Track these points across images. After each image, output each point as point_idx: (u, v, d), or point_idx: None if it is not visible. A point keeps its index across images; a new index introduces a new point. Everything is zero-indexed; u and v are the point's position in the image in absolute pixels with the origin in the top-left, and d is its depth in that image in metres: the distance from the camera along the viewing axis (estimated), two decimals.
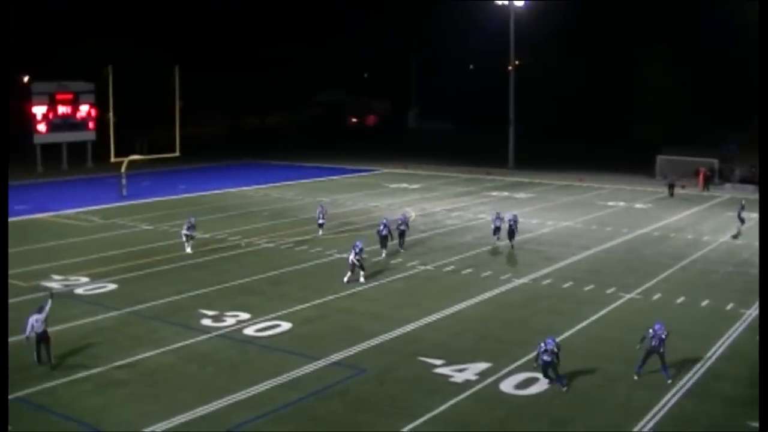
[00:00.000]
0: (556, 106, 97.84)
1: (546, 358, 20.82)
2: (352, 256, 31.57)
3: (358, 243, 32.20)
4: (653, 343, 21.41)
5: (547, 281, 32.44)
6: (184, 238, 37.24)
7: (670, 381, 21.31)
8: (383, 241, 36.23)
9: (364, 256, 32.12)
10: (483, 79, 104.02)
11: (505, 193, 60.57)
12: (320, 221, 41.43)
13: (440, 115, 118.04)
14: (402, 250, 37.10)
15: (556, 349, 20.86)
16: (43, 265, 34.25)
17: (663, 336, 21.34)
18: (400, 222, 38.24)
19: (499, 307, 28.76)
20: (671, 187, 60.38)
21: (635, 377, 21.60)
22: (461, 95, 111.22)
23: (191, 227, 37.20)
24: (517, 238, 41.39)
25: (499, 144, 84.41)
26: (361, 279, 31.73)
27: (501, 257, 37.04)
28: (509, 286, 31.68)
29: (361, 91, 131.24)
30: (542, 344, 21.04)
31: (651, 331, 21.63)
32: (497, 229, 39.22)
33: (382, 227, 36.32)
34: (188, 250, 36.65)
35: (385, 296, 30.15)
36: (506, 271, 33.83)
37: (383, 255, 35.83)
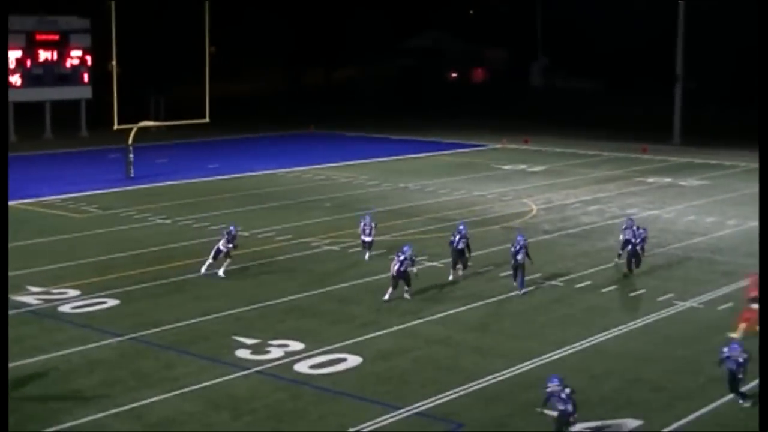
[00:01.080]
0: (744, 55, 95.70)
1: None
2: (397, 266, 31.54)
3: (405, 248, 32.17)
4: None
5: (727, 305, 31.80)
6: (214, 254, 35.18)
7: None
8: (458, 256, 34.91)
9: (412, 268, 31.94)
10: (638, 17, 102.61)
11: (668, 179, 59.74)
12: (366, 238, 37.90)
13: (576, 68, 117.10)
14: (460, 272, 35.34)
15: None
16: (16, 272, 34.67)
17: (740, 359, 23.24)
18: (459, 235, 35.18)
19: (657, 341, 28.32)
20: None
21: None
22: (606, 41, 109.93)
23: (232, 239, 35.21)
24: (685, 243, 40.73)
25: (660, 110, 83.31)
26: (406, 296, 31.98)
27: (660, 270, 36.47)
28: (671, 311, 31.13)
29: (467, 34, 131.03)
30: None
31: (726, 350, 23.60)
32: (627, 243, 36.27)
33: (456, 237, 34.87)
34: (221, 273, 34.96)
35: (492, 322, 29.99)
36: (667, 289, 33.28)
37: (458, 274, 35.04)
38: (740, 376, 23.18)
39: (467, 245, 34.85)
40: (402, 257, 31.52)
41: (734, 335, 27.71)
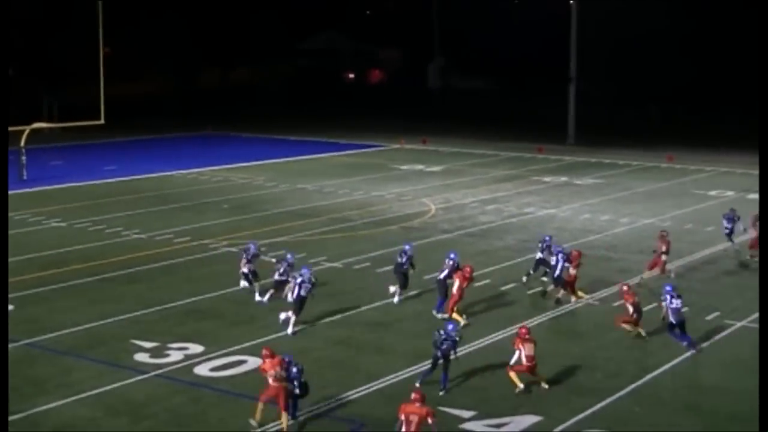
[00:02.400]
0: (637, 55, 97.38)
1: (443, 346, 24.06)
2: (296, 290, 29.10)
3: (407, 247, 32.32)
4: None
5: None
6: (244, 280, 32.68)
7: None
8: (404, 278, 32.42)
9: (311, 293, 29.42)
10: (533, 16, 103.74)
11: (563, 179, 60.53)
12: (246, 273, 32.96)
13: (472, 69, 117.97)
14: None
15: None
16: None
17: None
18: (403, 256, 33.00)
19: (553, 338, 28.66)
20: None
21: None
22: (502, 42, 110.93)
23: (254, 257, 32.78)
24: (581, 241, 41.39)
25: (554, 110, 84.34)
26: (396, 299, 31.95)
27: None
28: (567, 308, 31.57)
29: (363, 35, 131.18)
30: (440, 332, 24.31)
31: None
32: (541, 264, 34.53)
33: (404, 258, 32.35)
34: (264, 298, 31.67)
35: (392, 321, 30.05)
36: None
37: (396, 298, 32.41)
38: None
39: (411, 264, 32.69)
40: (299, 280, 29.08)
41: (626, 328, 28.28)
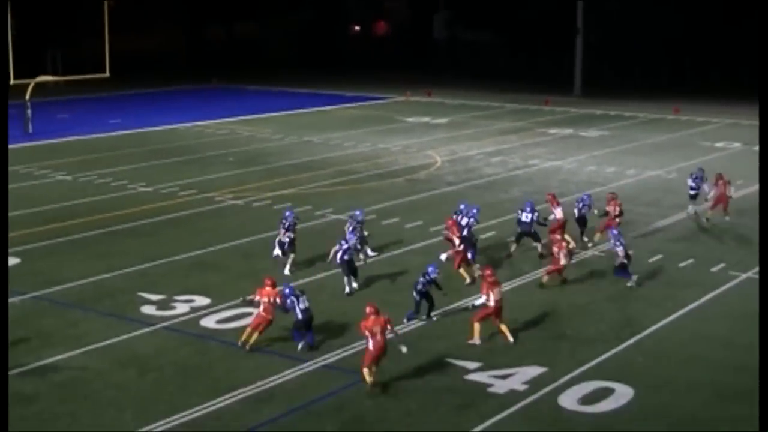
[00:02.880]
0: (645, 7, 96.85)
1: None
2: (339, 254, 28.27)
3: (349, 236, 29.86)
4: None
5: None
6: (279, 250, 30.67)
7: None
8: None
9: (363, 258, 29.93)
10: None
11: (569, 131, 60.41)
12: (283, 242, 30.74)
13: (479, 21, 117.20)
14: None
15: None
16: None
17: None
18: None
19: (558, 290, 28.70)
20: None
21: None
22: None
23: (291, 227, 30.71)
24: (586, 192, 41.41)
25: (561, 62, 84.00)
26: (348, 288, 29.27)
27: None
28: (573, 260, 31.59)
29: None
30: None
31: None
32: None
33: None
34: (286, 271, 30.09)
35: (398, 273, 30.09)
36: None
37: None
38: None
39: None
40: (345, 245, 28.43)
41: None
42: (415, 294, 25.65)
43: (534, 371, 22.62)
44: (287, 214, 31.14)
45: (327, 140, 55.21)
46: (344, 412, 20.57)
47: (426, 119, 64.51)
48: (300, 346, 23.61)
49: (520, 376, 22.31)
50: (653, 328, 25.47)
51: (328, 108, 70.61)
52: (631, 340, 24.69)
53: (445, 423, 20.05)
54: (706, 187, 37.55)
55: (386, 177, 44.82)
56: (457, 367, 22.82)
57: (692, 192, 37.86)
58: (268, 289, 23.67)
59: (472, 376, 22.30)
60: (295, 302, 23.60)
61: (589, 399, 21.24)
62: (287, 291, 23.82)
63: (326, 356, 23.40)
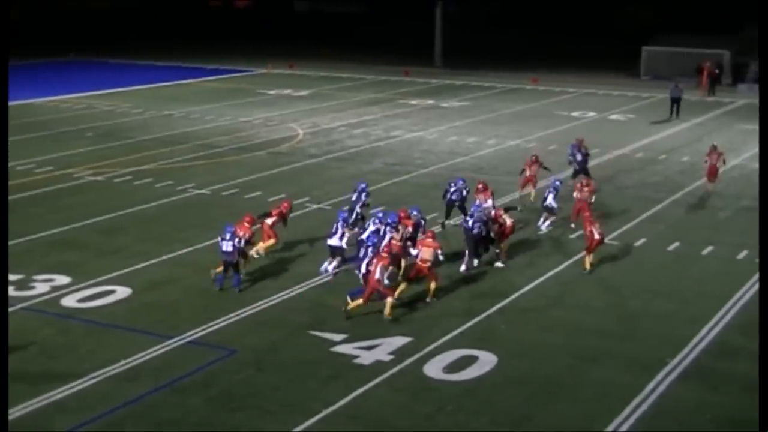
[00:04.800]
0: None
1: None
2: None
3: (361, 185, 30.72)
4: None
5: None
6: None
7: None
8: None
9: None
10: None
11: (430, 101, 60.89)
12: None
13: None
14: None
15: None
16: None
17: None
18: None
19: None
20: (675, 104, 55.58)
21: None
22: None
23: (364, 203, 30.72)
24: (448, 163, 41.86)
25: (421, 33, 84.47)
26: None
27: (425, 190, 37.19)
28: (436, 230, 31.92)
29: None
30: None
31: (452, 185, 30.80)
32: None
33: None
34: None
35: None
36: (433, 208, 33.82)
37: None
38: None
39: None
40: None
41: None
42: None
43: (399, 341, 22.83)
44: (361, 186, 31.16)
45: (187, 114, 54.62)
46: (212, 387, 20.48)
47: (287, 92, 64.29)
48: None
49: (385, 347, 22.50)
50: (515, 295, 25.93)
51: (189, 81, 69.80)
52: (494, 308, 25.12)
53: (312, 395, 20.13)
54: (578, 156, 37.78)
55: (248, 150, 44.58)
56: (322, 340, 22.92)
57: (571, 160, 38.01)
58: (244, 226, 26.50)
59: (338, 348, 22.41)
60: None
61: (453, 367, 21.55)
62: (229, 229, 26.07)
63: (192, 332, 23.26)
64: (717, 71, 66.71)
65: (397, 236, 26.51)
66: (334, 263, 27.73)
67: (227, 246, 25.77)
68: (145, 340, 22.71)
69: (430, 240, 25.68)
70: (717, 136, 49.44)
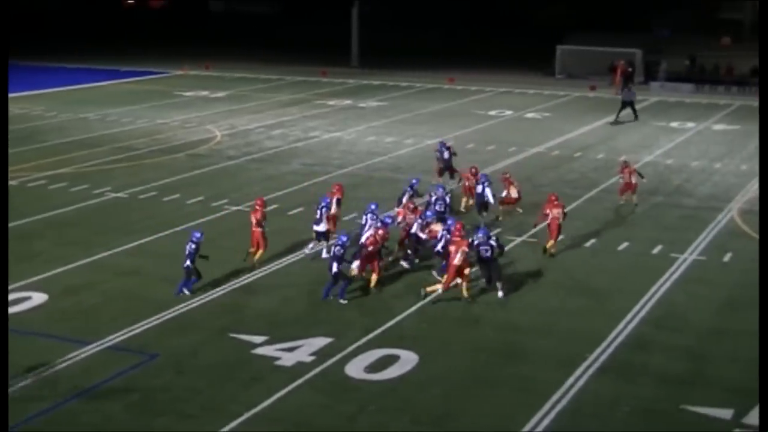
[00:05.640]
0: None
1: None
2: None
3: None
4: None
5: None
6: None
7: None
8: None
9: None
10: None
11: (348, 102, 60.91)
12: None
13: None
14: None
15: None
16: None
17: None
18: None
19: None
20: (626, 107, 54.70)
21: None
22: None
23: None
24: (366, 163, 41.97)
25: (338, 33, 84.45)
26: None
27: (347, 191, 37.22)
28: (354, 230, 31.96)
29: None
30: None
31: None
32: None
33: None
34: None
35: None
36: (350, 208, 33.90)
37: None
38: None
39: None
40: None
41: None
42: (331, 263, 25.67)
43: (320, 342, 22.86)
44: (325, 199, 30.03)
45: (104, 117, 54.01)
46: (132, 393, 20.32)
47: (204, 93, 63.86)
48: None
49: (306, 348, 22.51)
50: (435, 294, 26.03)
51: (104, 83, 69.02)
52: (414, 307, 25.23)
53: (234, 398, 20.07)
54: (446, 153, 37.75)
55: (166, 153, 44.25)
56: (243, 342, 22.87)
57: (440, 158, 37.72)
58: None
59: (259, 350, 22.37)
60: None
61: (375, 367, 21.63)
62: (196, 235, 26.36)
63: (111, 337, 23.06)
64: (630, 69, 67.62)
65: (381, 231, 26.50)
66: (311, 245, 29.03)
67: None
68: (64, 347, 22.47)
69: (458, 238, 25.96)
70: (631, 133, 50.31)
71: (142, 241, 30.70)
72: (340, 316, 24.71)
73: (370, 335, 23.34)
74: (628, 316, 24.80)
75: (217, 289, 26.36)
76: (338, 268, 25.32)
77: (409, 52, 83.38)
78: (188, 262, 25.87)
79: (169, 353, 22.24)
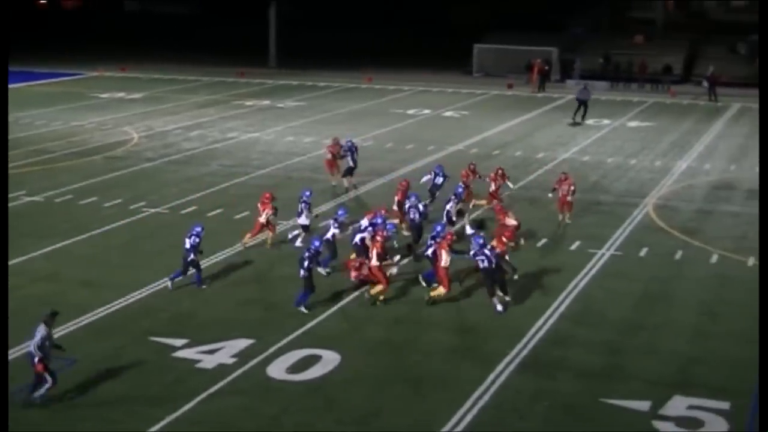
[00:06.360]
0: None
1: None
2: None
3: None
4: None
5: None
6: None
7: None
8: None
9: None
10: None
11: (266, 102, 60.77)
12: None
13: None
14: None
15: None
16: None
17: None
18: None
19: (261, 261, 28.96)
20: (581, 106, 54.10)
21: None
22: None
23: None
24: (285, 164, 41.93)
25: (255, 34, 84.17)
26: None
27: (262, 190, 37.13)
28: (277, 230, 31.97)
29: None
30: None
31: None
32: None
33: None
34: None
35: (99, 254, 29.61)
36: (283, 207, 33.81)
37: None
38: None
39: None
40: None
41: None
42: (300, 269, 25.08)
43: (241, 344, 22.79)
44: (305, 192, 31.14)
45: (17, 119, 53.15)
46: (53, 398, 20.00)
47: (121, 95, 63.23)
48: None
49: (228, 350, 22.44)
50: (355, 294, 26.02)
51: (17, 85, 67.88)
52: (335, 307, 25.26)
53: (155, 402, 19.94)
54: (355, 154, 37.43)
55: (82, 155, 43.75)
56: (164, 345, 22.72)
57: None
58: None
59: (179, 353, 22.25)
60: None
61: (297, 367, 21.63)
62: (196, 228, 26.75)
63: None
64: (547, 68, 68.37)
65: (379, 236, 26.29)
66: (295, 232, 29.80)
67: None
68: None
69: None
70: (547, 131, 50.87)
71: (59, 245, 30.34)
72: (261, 317, 24.67)
73: (292, 336, 23.33)
74: (548, 312, 25.08)
75: (137, 292, 26.15)
76: (306, 274, 24.87)
77: (327, 52, 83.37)
78: (192, 256, 26.24)
79: (89, 358, 22.00)
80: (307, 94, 64.67)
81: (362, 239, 27.19)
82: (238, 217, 33.58)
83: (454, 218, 31.07)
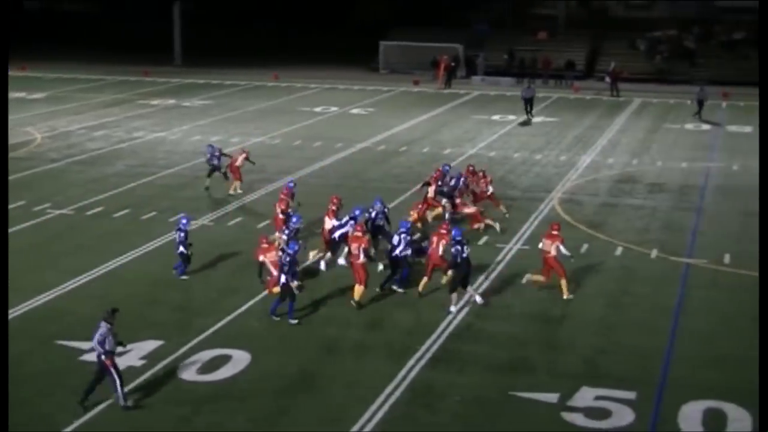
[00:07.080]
0: None
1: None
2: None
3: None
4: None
5: (237, 220, 32.87)
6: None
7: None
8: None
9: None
10: None
11: (172, 101, 60.27)
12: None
13: None
14: None
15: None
16: None
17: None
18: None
19: (171, 262, 28.71)
20: (528, 104, 55.03)
21: None
22: None
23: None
24: (192, 163, 41.62)
25: (159, 32, 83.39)
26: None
27: (170, 191, 36.89)
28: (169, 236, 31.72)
29: None
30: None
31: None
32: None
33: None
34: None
35: (14, 250, 29.11)
36: (177, 209, 33.53)
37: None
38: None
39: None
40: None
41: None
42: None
43: (150, 345, 22.60)
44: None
45: None
46: None
47: (21, 94, 62.10)
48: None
49: (137, 352, 22.21)
50: (265, 292, 25.92)
51: None
52: (245, 306, 25.16)
53: (62, 407, 19.67)
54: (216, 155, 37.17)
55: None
56: (71, 349, 22.43)
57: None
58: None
59: (87, 357, 21.92)
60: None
61: (207, 368, 21.51)
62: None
63: None
64: (453, 64, 68.82)
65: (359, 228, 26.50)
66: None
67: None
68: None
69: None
70: (454, 127, 51.19)
71: None
72: (170, 318, 24.48)
73: (201, 336, 23.19)
74: (457, 307, 25.21)
75: (43, 296, 25.77)
76: (286, 280, 24.24)
77: (233, 50, 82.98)
78: (181, 249, 26.73)
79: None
80: (214, 92, 64.29)
81: (342, 235, 27.24)
82: (145, 217, 33.27)
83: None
